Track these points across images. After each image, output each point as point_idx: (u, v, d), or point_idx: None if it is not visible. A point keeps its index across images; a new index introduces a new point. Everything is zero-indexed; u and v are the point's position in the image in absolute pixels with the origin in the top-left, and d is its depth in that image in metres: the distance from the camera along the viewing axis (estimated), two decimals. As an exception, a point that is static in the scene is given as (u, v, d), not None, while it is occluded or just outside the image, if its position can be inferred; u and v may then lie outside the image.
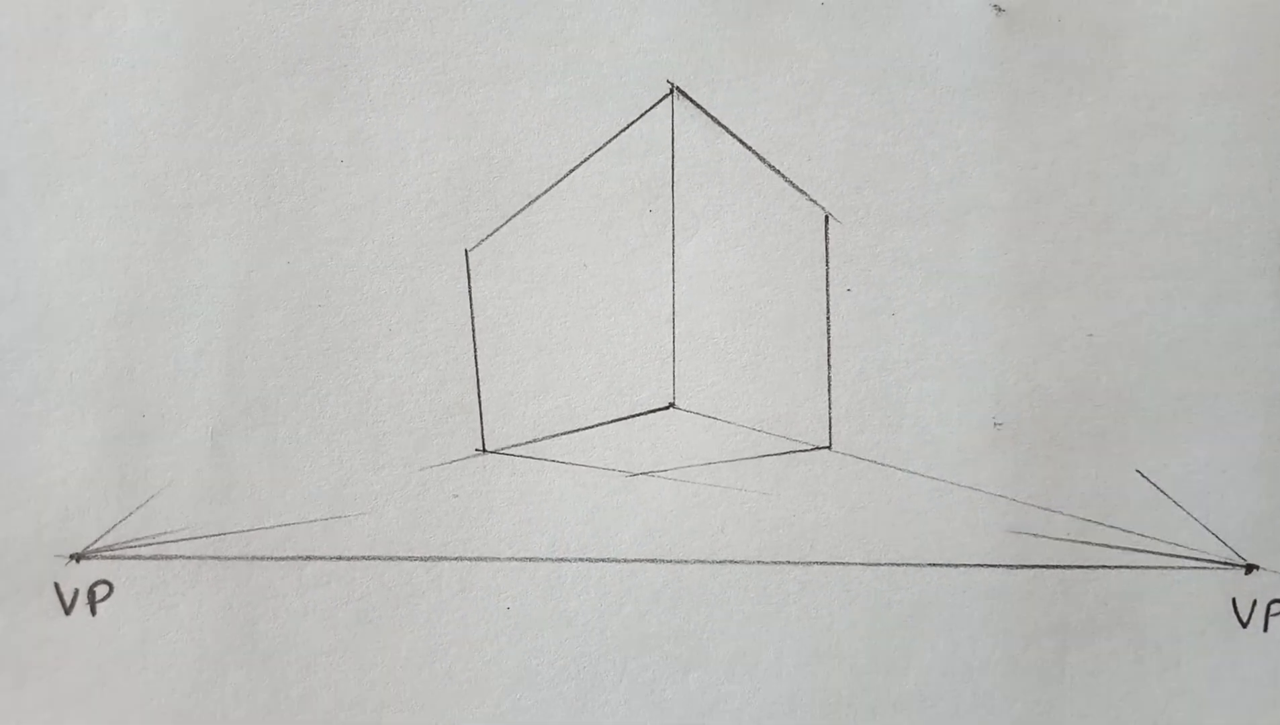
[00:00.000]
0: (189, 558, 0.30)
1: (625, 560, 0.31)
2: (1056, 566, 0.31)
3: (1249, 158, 0.32)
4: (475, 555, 0.31)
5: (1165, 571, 0.31)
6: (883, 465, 0.31)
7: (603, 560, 0.31)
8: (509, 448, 0.31)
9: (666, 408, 0.31)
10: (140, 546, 0.30)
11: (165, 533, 0.30)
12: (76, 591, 0.30)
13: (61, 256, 0.30)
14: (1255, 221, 0.32)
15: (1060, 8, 0.32)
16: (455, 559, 0.31)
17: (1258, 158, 0.32)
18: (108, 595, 0.30)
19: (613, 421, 0.31)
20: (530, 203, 0.31)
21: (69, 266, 0.30)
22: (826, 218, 0.32)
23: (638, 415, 0.31)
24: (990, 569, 0.31)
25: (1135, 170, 0.32)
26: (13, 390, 0.30)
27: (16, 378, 0.30)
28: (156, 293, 0.30)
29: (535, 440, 0.31)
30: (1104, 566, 0.31)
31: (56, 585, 0.30)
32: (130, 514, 0.30)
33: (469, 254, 0.31)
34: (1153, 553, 0.31)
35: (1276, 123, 0.32)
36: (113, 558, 0.30)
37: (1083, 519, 0.31)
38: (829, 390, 0.31)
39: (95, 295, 0.30)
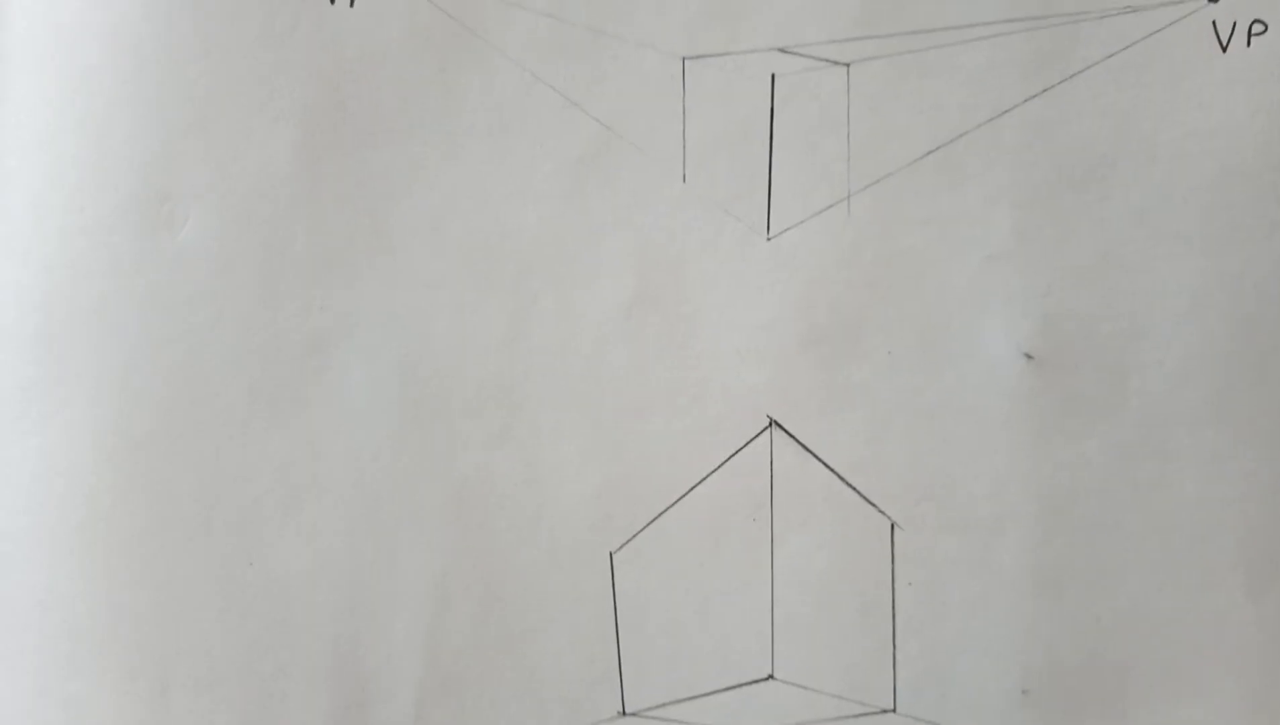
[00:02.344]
0: (397, 802, 0.39)
1: (734, 802, 0.40)
2: (1072, 805, 0.40)
3: (1229, 474, 0.41)
4: (617, 797, 0.40)
5: (1158, 810, 0.40)
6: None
7: (717, 802, 0.40)
8: (645, 710, 0.40)
9: (766, 679, 0.40)
10: (359, 793, 0.39)
11: (379, 782, 0.39)
12: (309, 829, 0.39)
13: (300, 567, 0.39)
14: (1230, 526, 0.41)
15: (1079, 354, 0.41)
16: (602, 800, 0.40)
17: (1236, 474, 0.41)
18: (333, 830, 0.39)
19: (724, 690, 0.40)
20: (661, 514, 0.40)
21: (307, 575, 0.39)
22: (893, 526, 0.40)
23: (743, 685, 0.40)
24: (1020, 809, 0.40)
25: (1136, 485, 0.41)
26: (261, 670, 0.39)
27: (265, 661, 0.39)
28: (373, 591, 0.39)
29: (665, 704, 0.40)
30: (1109, 804, 0.40)
31: (293, 823, 0.39)
32: (352, 768, 0.39)
33: (613, 555, 0.40)
34: (1148, 794, 0.40)
35: (1253, 445, 0.41)
36: (338, 802, 0.39)
37: (1093, 767, 0.40)
38: (894, 665, 0.40)
39: (326, 595, 0.39)
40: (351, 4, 0.38)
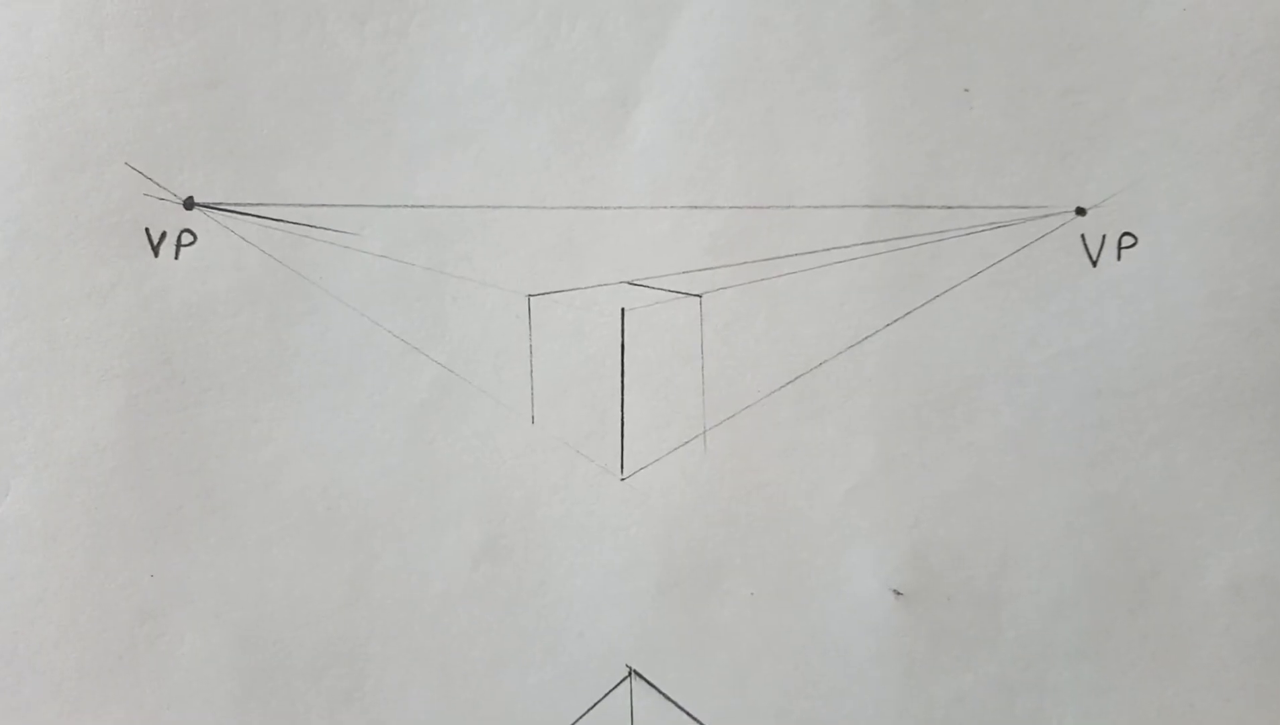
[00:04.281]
0: None
1: None
2: None
3: (1109, 707, 0.39)
4: None
5: None
6: None
7: None
8: None
9: None
10: None
11: None
12: None
13: None
14: None
15: (949, 588, 0.39)
16: None
17: (1117, 707, 0.39)
18: None
19: None
20: None
21: None
22: None
23: None
24: None
25: (1014, 721, 0.39)
26: None
27: None
28: None
29: None
30: None
31: None
32: None
33: None
34: None
35: (1133, 677, 0.39)
36: None
37: None
38: None
39: None
40: (176, 256, 0.37)
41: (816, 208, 0.38)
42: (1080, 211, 0.39)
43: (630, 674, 0.38)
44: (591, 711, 0.38)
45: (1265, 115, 0.38)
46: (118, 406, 0.36)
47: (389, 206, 0.37)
